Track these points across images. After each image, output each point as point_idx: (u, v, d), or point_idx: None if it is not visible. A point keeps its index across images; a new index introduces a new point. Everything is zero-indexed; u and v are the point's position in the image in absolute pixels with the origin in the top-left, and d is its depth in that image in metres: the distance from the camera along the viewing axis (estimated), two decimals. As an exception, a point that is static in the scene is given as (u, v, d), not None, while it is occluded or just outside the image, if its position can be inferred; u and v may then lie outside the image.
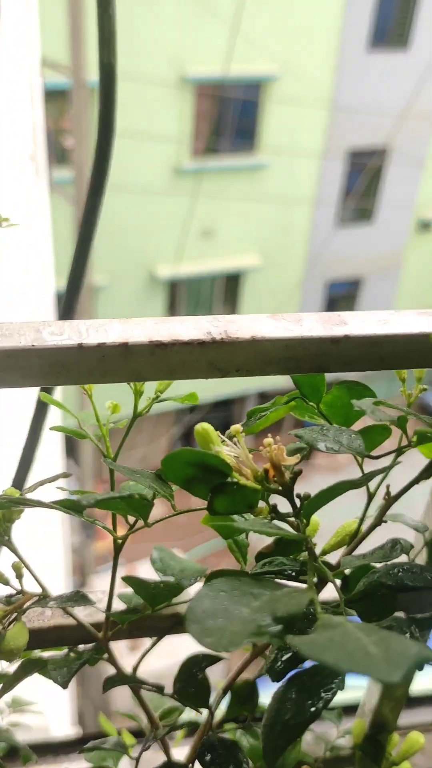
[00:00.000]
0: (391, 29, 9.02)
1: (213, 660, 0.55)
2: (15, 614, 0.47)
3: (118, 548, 0.50)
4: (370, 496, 0.51)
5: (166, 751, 0.59)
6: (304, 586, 0.53)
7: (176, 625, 0.56)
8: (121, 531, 0.49)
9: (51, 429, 0.50)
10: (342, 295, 10.00)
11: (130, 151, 7.83)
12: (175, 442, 9.57)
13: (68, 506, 0.41)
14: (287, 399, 0.51)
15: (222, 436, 0.40)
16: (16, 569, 0.48)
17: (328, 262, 9.46)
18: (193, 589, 0.56)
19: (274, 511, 0.39)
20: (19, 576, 0.48)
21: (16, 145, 1.28)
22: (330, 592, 0.56)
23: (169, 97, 8.04)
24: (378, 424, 0.46)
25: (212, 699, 0.59)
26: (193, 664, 0.55)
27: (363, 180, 9.26)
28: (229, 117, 8.77)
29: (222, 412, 9.51)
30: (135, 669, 0.55)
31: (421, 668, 0.25)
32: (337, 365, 0.46)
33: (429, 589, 0.41)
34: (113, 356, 0.43)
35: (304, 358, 0.45)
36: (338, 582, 0.51)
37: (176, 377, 0.45)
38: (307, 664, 0.38)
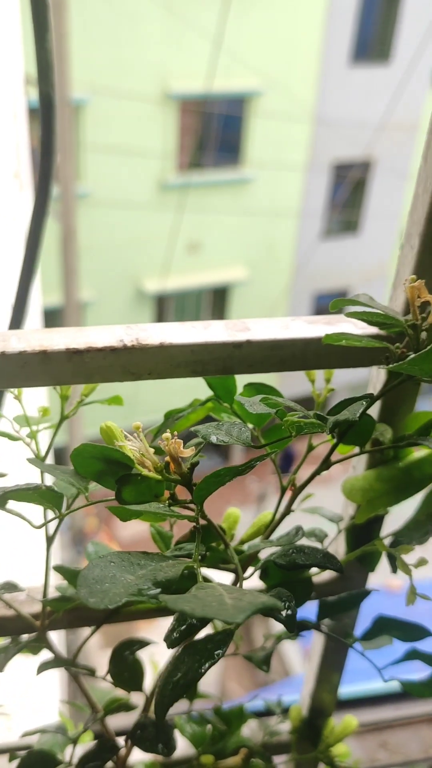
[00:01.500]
0: (372, 43, 9.17)
1: (143, 644, 0.60)
2: None
3: (49, 540, 0.54)
4: (283, 489, 0.56)
5: (107, 731, 0.62)
6: (228, 574, 0.58)
7: (112, 614, 0.61)
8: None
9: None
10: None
11: (115, 166, 7.92)
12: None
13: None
14: (204, 401, 0.56)
15: (126, 432, 0.45)
16: None
17: (315, 274, 9.55)
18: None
19: (172, 498, 0.44)
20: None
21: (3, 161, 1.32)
22: (254, 581, 0.60)
23: (153, 113, 8.14)
24: (280, 423, 0.51)
25: (151, 684, 0.63)
26: (125, 647, 0.59)
27: (348, 192, 9.37)
28: (214, 132, 8.88)
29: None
30: (75, 656, 0.59)
31: (263, 613, 0.29)
32: (242, 367, 0.51)
33: (316, 566, 0.45)
34: (33, 363, 0.47)
35: (209, 362, 0.50)
36: (249, 570, 0.55)
37: (93, 381, 0.49)
38: (202, 634, 0.42)
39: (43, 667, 0.55)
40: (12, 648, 0.55)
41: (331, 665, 0.73)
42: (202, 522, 0.43)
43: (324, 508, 0.62)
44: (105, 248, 8.20)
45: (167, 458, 0.44)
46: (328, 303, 0.50)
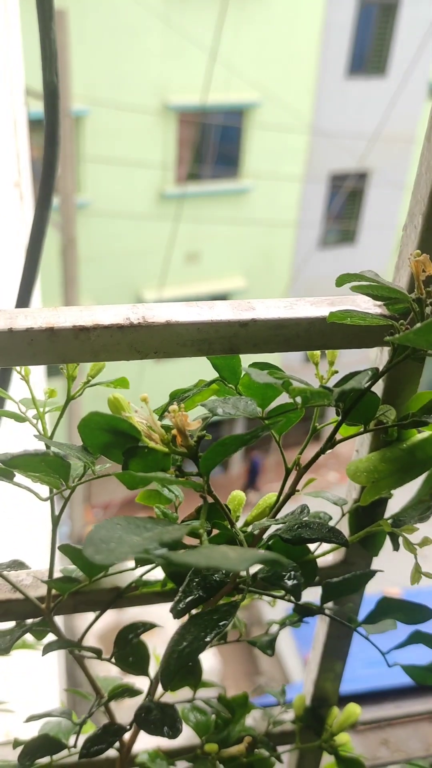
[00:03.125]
0: (368, 56, 9.26)
1: (148, 627, 0.60)
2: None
3: (55, 521, 0.54)
4: (287, 470, 0.56)
5: (111, 717, 0.62)
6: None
7: (117, 598, 0.61)
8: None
9: (-8, 412, 0.54)
10: (327, 316, 10.08)
11: (115, 177, 7.96)
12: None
13: (5, 472, 0.46)
14: (209, 382, 0.56)
15: (134, 405, 0.45)
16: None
17: (312, 284, 9.57)
18: (129, 564, 0.61)
19: (179, 469, 0.44)
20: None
21: (0, 173, 1.33)
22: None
23: (152, 124, 8.20)
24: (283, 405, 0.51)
25: (156, 670, 0.63)
26: (129, 630, 0.59)
27: (344, 202, 9.43)
28: (212, 143, 8.94)
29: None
30: (81, 639, 0.59)
31: (267, 565, 0.30)
32: (247, 347, 0.51)
33: (322, 541, 0.46)
34: (40, 340, 0.48)
35: (215, 341, 0.50)
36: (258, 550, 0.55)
37: (100, 359, 0.50)
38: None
39: (48, 648, 0.55)
40: (17, 631, 0.55)
41: (335, 653, 0.73)
42: (208, 497, 0.43)
43: (327, 492, 0.62)
44: (104, 258, 8.23)
45: (174, 431, 0.44)
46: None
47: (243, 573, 0.47)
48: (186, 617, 0.44)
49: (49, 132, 0.68)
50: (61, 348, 0.48)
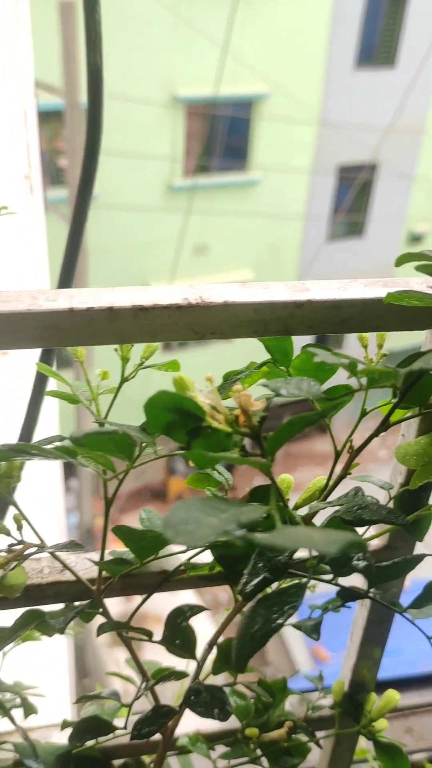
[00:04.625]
0: (377, 48, 9.20)
1: (196, 610, 0.60)
2: (16, 562, 0.51)
3: (108, 502, 0.54)
4: (337, 454, 0.56)
5: (156, 700, 0.63)
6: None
7: (164, 581, 0.61)
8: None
9: (47, 394, 0.55)
10: (335, 309, 10.07)
11: (124, 170, 7.95)
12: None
13: (64, 452, 0.46)
14: (259, 365, 0.56)
15: (198, 385, 0.45)
16: (17, 521, 0.52)
17: (320, 276, 9.54)
18: (180, 555, 0.61)
19: (243, 450, 0.44)
20: (19, 527, 0.52)
21: (11, 165, 1.33)
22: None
23: (161, 117, 8.18)
24: (341, 385, 0.51)
25: (200, 654, 0.63)
26: (178, 614, 0.59)
27: (353, 195, 9.39)
28: (221, 135, 8.91)
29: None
30: (129, 620, 0.59)
31: (353, 548, 0.30)
32: (302, 328, 0.51)
33: (382, 521, 0.46)
34: (100, 320, 0.48)
35: (271, 321, 0.50)
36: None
37: (157, 339, 0.50)
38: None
39: (102, 629, 0.55)
40: (70, 612, 0.56)
41: (374, 639, 0.73)
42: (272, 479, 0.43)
43: (373, 476, 0.62)
44: (113, 250, 8.22)
45: (237, 411, 0.44)
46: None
47: (304, 553, 0.47)
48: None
49: (92, 114, 0.68)
50: (121, 327, 0.48)
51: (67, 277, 0.68)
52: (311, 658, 5.53)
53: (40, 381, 0.69)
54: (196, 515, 0.35)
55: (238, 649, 0.39)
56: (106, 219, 8.01)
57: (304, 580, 0.43)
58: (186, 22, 7.67)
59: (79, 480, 6.26)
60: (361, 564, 0.41)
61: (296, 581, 0.43)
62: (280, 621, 0.39)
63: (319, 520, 0.55)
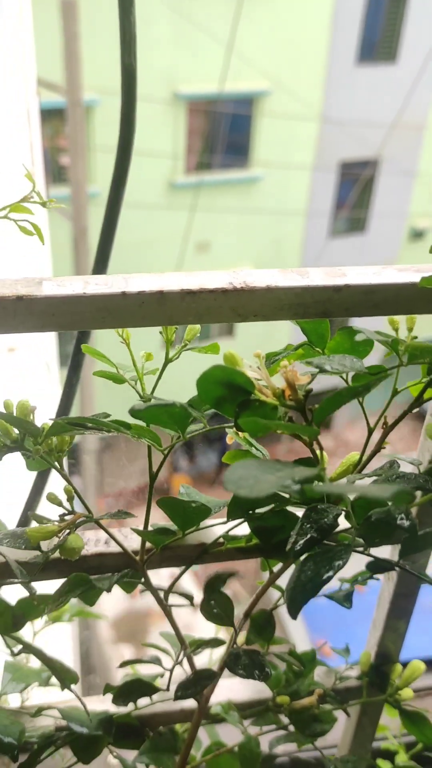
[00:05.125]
0: (378, 43, 9.22)
1: (231, 575, 0.63)
2: (69, 530, 0.54)
3: (153, 477, 0.57)
4: (370, 430, 0.59)
5: (193, 667, 0.66)
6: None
7: (203, 553, 0.64)
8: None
9: (93, 374, 0.58)
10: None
11: (125, 167, 7.95)
12: (178, 451, 9.62)
13: (120, 425, 0.49)
14: (296, 347, 0.59)
15: (246, 360, 0.48)
16: (68, 492, 0.55)
17: (323, 272, 9.57)
18: (216, 528, 0.64)
19: (289, 421, 0.47)
20: (70, 499, 0.56)
21: (13, 164, 1.35)
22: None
23: (163, 114, 8.20)
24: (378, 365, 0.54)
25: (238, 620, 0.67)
26: (216, 580, 0.62)
27: (355, 191, 9.41)
28: (222, 132, 8.93)
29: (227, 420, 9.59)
30: (170, 588, 0.62)
31: (403, 497, 0.33)
32: (339, 311, 0.54)
33: (420, 489, 0.49)
34: (150, 303, 0.51)
35: (310, 305, 0.53)
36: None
37: (203, 321, 0.53)
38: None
39: (145, 591, 0.58)
40: (114, 577, 0.59)
41: (400, 612, 0.76)
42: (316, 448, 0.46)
43: (401, 454, 0.65)
44: (116, 248, 8.20)
45: (283, 386, 0.48)
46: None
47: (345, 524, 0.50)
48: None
49: (125, 112, 0.71)
50: (169, 310, 0.51)
51: (101, 269, 0.71)
52: (309, 638, 5.62)
53: (76, 362, 0.73)
54: (255, 473, 0.38)
55: (290, 597, 0.42)
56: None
57: (350, 539, 0.46)
58: (187, 18, 7.69)
59: (82, 479, 6.30)
60: (406, 523, 0.44)
61: (344, 542, 0.46)
62: (329, 573, 0.42)
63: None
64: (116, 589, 0.60)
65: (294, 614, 0.41)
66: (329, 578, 0.43)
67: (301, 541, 0.45)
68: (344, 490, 0.34)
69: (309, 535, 0.45)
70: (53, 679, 0.79)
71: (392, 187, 9.71)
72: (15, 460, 0.61)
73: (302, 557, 0.45)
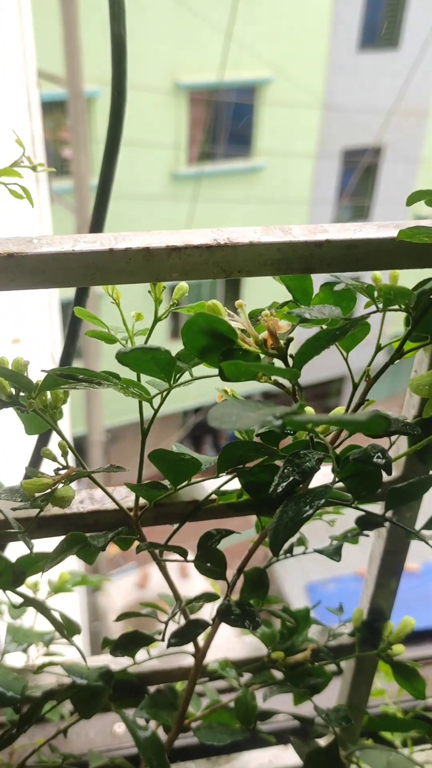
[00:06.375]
0: (380, 29, 9.17)
1: (226, 533, 0.65)
2: (63, 483, 0.56)
3: (144, 432, 0.59)
4: (354, 385, 0.61)
5: (188, 620, 0.68)
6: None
7: (196, 510, 0.66)
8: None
9: (87, 334, 0.59)
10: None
11: (127, 159, 7.96)
12: (182, 442, 9.67)
13: (109, 375, 0.51)
14: (281, 304, 0.61)
15: (228, 310, 0.50)
16: (62, 448, 0.57)
17: (327, 260, 9.56)
18: (208, 484, 0.66)
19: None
20: (65, 454, 0.57)
21: (15, 156, 1.37)
22: (325, 476, 0.66)
23: (164, 104, 8.19)
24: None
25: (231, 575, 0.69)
26: (208, 538, 0.64)
27: (358, 178, 9.38)
28: (224, 121, 8.92)
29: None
30: (167, 541, 0.64)
31: (378, 422, 0.35)
32: (321, 266, 0.56)
33: (401, 433, 0.50)
34: (137, 259, 0.52)
35: (293, 260, 0.55)
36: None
37: (189, 277, 0.54)
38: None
39: (139, 548, 0.60)
40: (109, 534, 0.61)
41: (390, 570, 0.78)
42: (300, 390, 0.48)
43: (386, 410, 0.67)
44: (119, 239, 8.24)
45: (264, 334, 0.49)
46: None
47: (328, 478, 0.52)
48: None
49: (116, 83, 0.73)
50: (156, 267, 0.53)
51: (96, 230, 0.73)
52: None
53: (74, 326, 0.75)
54: (237, 410, 0.40)
55: (273, 534, 0.44)
56: (111, 209, 8.02)
57: (330, 482, 0.48)
58: (187, 8, 7.66)
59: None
60: (382, 461, 0.46)
61: (325, 485, 0.48)
62: (309, 512, 0.44)
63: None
64: (125, 581, 0.62)
65: (276, 550, 0.43)
66: (309, 516, 0.44)
67: (284, 484, 0.47)
68: (321, 418, 0.36)
69: (291, 478, 0.47)
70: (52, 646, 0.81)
71: (396, 174, 9.67)
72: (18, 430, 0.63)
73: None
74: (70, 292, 0.83)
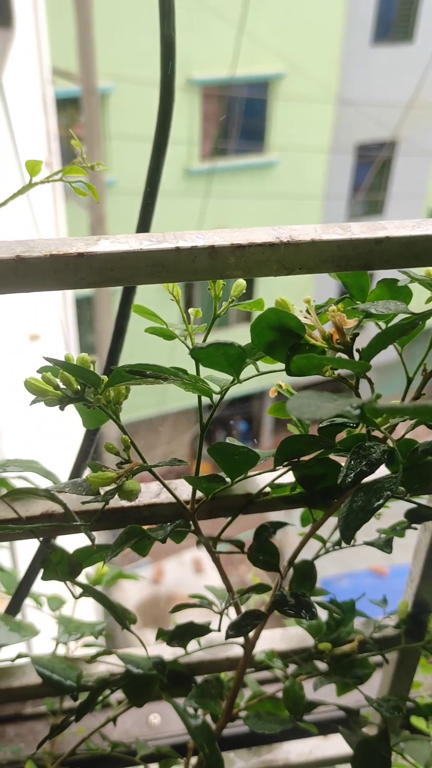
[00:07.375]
0: (394, 23, 9.12)
1: (279, 526, 0.66)
2: (126, 477, 0.58)
3: (203, 427, 0.60)
4: (409, 379, 0.62)
5: (239, 611, 0.69)
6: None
7: (250, 503, 0.67)
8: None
9: (146, 331, 0.61)
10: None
11: (140, 154, 7.97)
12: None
13: (178, 371, 0.52)
14: (337, 300, 0.62)
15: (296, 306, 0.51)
16: (124, 442, 0.59)
17: (341, 255, 9.53)
18: (262, 478, 0.67)
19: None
20: (127, 448, 0.59)
21: (31, 153, 1.38)
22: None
23: (177, 99, 8.17)
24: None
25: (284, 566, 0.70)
26: (263, 530, 0.65)
27: (372, 173, 9.35)
28: (237, 117, 8.90)
29: (242, 409, 9.64)
30: (220, 533, 0.65)
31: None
32: (380, 263, 0.57)
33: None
34: (202, 257, 0.54)
35: (352, 257, 0.56)
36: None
37: (252, 275, 0.55)
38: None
39: (199, 542, 0.62)
40: (168, 527, 0.62)
41: (436, 562, 0.79)
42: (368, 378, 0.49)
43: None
44: (133, 235, 8.26)
45: (331, 330, 0.50)
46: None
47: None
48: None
49: (165, 82, 0.74)
50: (219, 265, 0.54)
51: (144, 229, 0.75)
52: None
53: (120, 322, 0.76)
54: (315, 401, 0.41)
55: (344, 522, 0.45)
56: (124, 204, 8.03)
57: (398, 474, 0.49)
58: (200, 2, 7.65)
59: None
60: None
61: (392, 475, 0.49)
62: (380, 502, 0.45)
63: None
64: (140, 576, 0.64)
65: (348, 538, 0.44)
66: (379, 506, 0.45)
67: (352, 474, 0.48)
68: (403, 407, 0.37)
69: (359, 469, 0.48)
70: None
71: (410, 168, 9.63)
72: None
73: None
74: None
